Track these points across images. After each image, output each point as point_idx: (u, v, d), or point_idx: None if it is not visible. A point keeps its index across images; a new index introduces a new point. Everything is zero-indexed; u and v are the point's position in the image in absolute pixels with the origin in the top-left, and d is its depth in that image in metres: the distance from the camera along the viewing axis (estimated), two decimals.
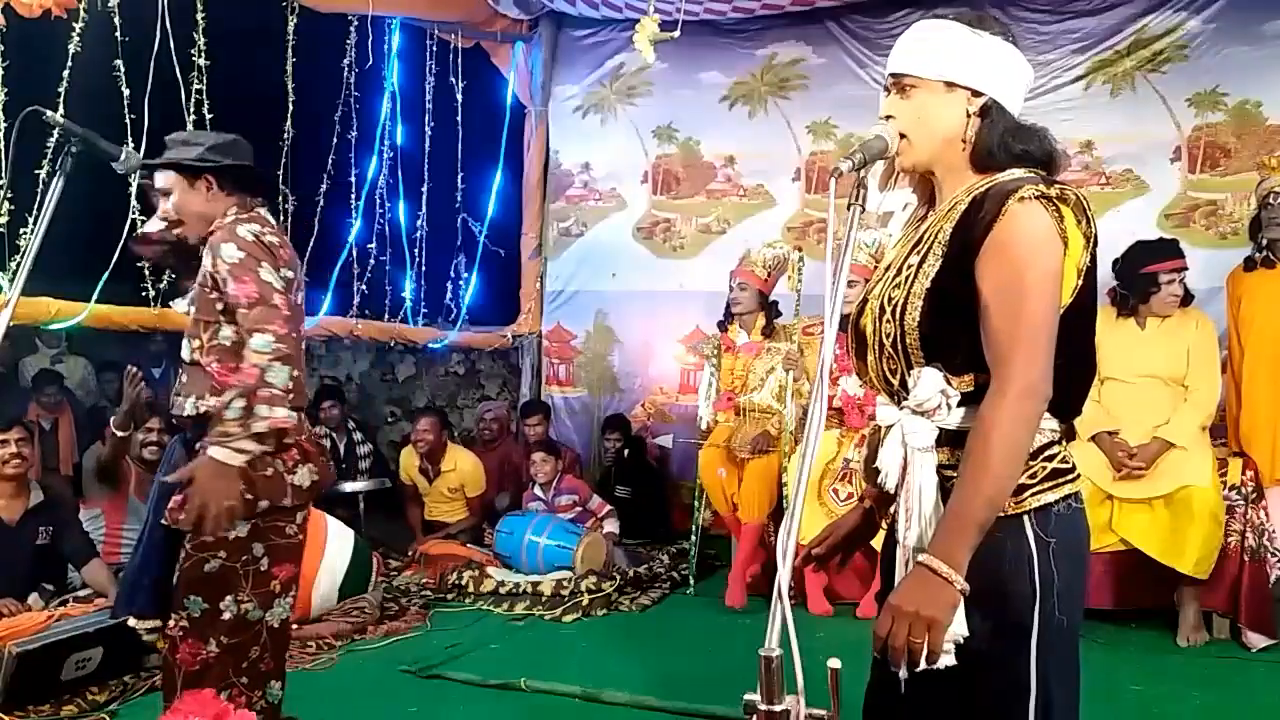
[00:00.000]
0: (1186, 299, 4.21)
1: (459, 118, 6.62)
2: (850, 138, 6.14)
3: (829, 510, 4.56)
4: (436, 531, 5.85)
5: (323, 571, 4.29)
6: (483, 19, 6.64)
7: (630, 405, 6.76)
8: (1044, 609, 1.50)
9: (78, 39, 4.17)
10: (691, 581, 5.05)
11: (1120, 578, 4.19)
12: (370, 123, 6.34)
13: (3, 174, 3.89)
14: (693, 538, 5.10)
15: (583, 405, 6.94)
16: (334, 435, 6.18)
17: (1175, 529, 3.99)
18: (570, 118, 7.00)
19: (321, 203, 5.97)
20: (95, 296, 4.21)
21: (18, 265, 2.05)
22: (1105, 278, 4.31)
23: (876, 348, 1.62)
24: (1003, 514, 1.49)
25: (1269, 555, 4.05)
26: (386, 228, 6.53)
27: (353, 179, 6.25)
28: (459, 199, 6.84)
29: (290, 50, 5.53)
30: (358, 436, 6.30)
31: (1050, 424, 1.56)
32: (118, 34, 4.33)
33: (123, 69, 4.34)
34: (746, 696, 1.26)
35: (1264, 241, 4.23)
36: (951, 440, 1.53)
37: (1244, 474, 4.15)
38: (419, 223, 6.71)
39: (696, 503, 5.11)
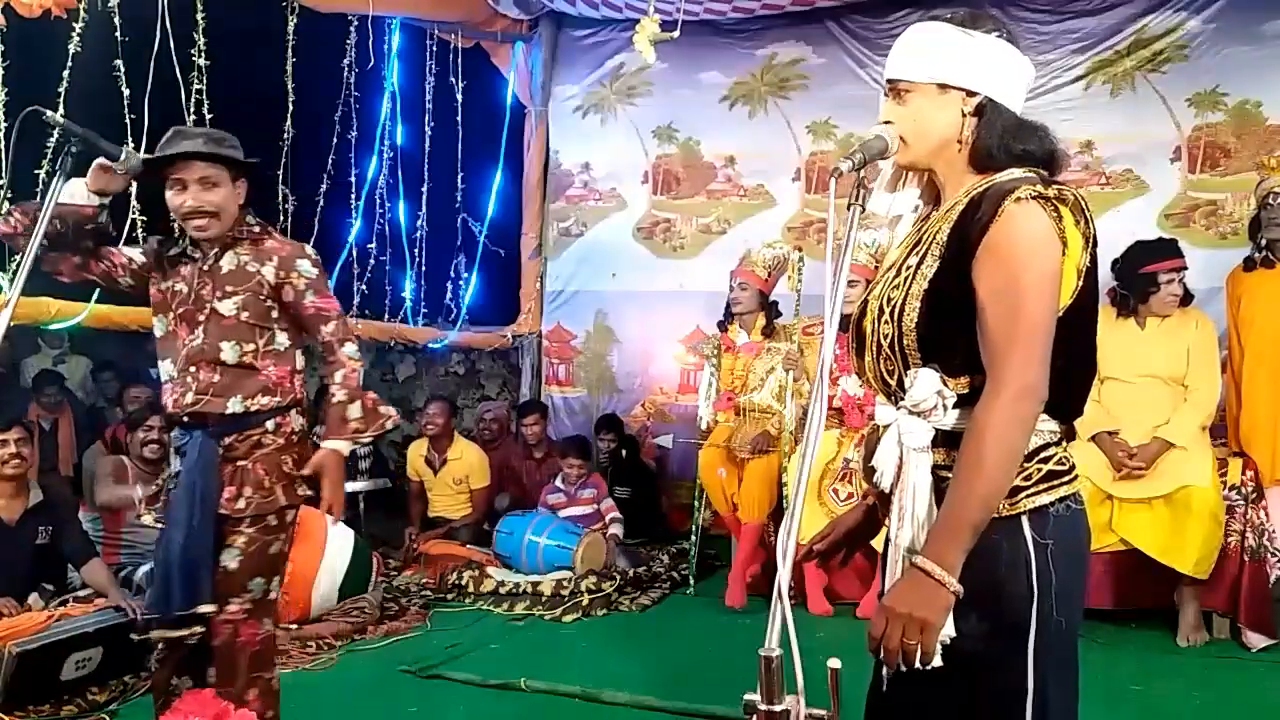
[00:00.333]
0: (1187, 299, 4.21)
1: (459, 118, 6.62)
2: (850, 138, 6.14)
3: (829, 510, 4.56)
4: (439, 528, 5.85)
5: (323, 571, 4.29)
6: (483, 19, 6.64)
7: (630, 405, 6.76)
8: (1041, 610, 1.50)
9: (78, 39, 4.17)
10: (691, 581, 5.05)
11: (1120, 578, 4.19)
12: (370, 123, 6.34)
13: (3, 174, 3.89)
14: (693, 538, 5.10)
15: (582, 405, 6.94)
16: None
17: (1175, 529, 3.99)
18: (570, 118, 7.00)
19: (321, 203, 5.98)
20: (95, 296, 4.21)
21: (18, 265, 2.05)
22: (1105, 278, 4.29)
23: (874, 348, 1.62)
24: (998, 515, 1.49)
25: (1269, 555, 4.05)
26: (386, 228, 6.54)
27: (353, 179, 6.26)
28: (459, 199, 6.84)
29: (290, 50, 5.53)
30: None
31: (1049, 425, 1.55)
32: (118, 34, 4.33)
33: (123, 69, 4.34)
34: (746, 696, 1.27)
35: (1263, 241, 4.23)
36: (948, 441, 1.53)
37: (1244, 474, 4.15)
38: (419, 223, 6.71)
39: (696, 503, 5.11)
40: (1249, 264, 4.28)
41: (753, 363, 4.95)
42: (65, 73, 4.12)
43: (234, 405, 2.61)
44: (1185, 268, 4.19)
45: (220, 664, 2.61)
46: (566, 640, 4.30)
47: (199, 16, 4.69)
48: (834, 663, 1.28)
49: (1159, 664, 3.85)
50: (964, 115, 1.60)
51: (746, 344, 5.00)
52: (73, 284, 2.66)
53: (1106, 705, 3.36)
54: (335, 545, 4.39)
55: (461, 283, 7.01)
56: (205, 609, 2.57)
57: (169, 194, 2.60)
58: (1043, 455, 1.54)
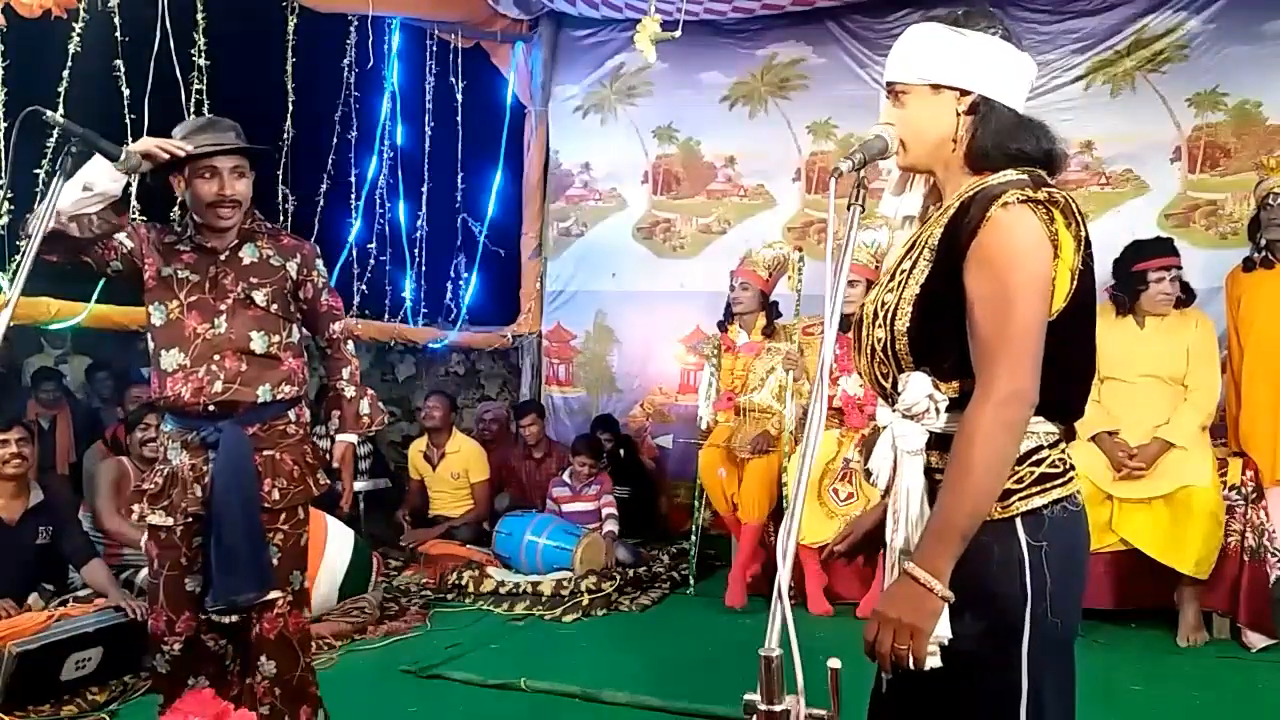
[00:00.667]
0: (1187, 299, 4.20)
1: (459, 118, 6.62)
2: (850, 138, 6.14)
3: (829, 510, 4.56)
4: (439, 526, 5.85)
5: (323, 571, 4.29)
6: (483, 19, 6.64)
7: (630, 405, 6.76)
8: (1035, 612, 1.49)
9: (78, 39, 4.17)
10: (691, 581, 5.05)
11: (1120, 578, 4.19)
12: (370, 123, 6.33)
13: (3, 174, 3.89)
14: (693, 538, 5.10)
15: (582, 405, 6.94)
16: (334, 436, 6.17)
17: (1175, 529, 3.99)
18: (570, 118, 6.99)
19: (321, 203, 5.97)
20: (95, 296, 4.21)
21: (18, 265, 2.04)
22: (1105, 278, 4.32)
23: (868, 352, 1.63)
24: (991, 518, 1.49)
25: (1269, 555, 4.05)
26: (386, 228, 6.53)
27: (353, 179, 6.25)
28: (459, 199, 6.83)
29: (290, 50, 5.52)
30: None
31: (1044, 427, 1.55)
32: (118, 34, 4.32)
33: (123, 69, 4.33)
34: (746, 696, 1.27)
35: (1263, 242, 4.23)
36: (941, 444, 1.53)
37: (1244, 474, 4.15)
38: (419, 223, 6.71)
39: (696, 503, 5.11)
40: (1248, 264, 4.29)
41: (753, 363, 4.95)
42: (65, 73, 4.12)
43: (264, 394, 2.66)
44: (1178, 266, 4.18)
45: (278, 655, 2.69)
46: (566, 640, 4.30)
47: (199, 16, 4.69)
48: (834, 663, 1.28)
49: (1159, 664, 3.85)
50: (958, 115, 1.59)
51: (746, 344, 5.00)
52: (61, 266, 2.58)
53: (1106, 705, 3.35)
54: (335, 545, 4.39)
55: (461, 283, 7.01)
56: (275, 594, 2.66)
57: (199, 181, 2.60)
58: (1035, 458, 1.53)
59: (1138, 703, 3.46)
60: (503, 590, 4.84)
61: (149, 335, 2.71)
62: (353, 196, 6.28)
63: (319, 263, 2.86)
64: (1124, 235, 4.48)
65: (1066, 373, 1.55)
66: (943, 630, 1.45)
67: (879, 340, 1.59)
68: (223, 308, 2.65)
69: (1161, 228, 5.34)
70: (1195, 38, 5.45)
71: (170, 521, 2.66)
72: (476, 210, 6.96)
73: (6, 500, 3.83)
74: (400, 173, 6.53)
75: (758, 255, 5.08)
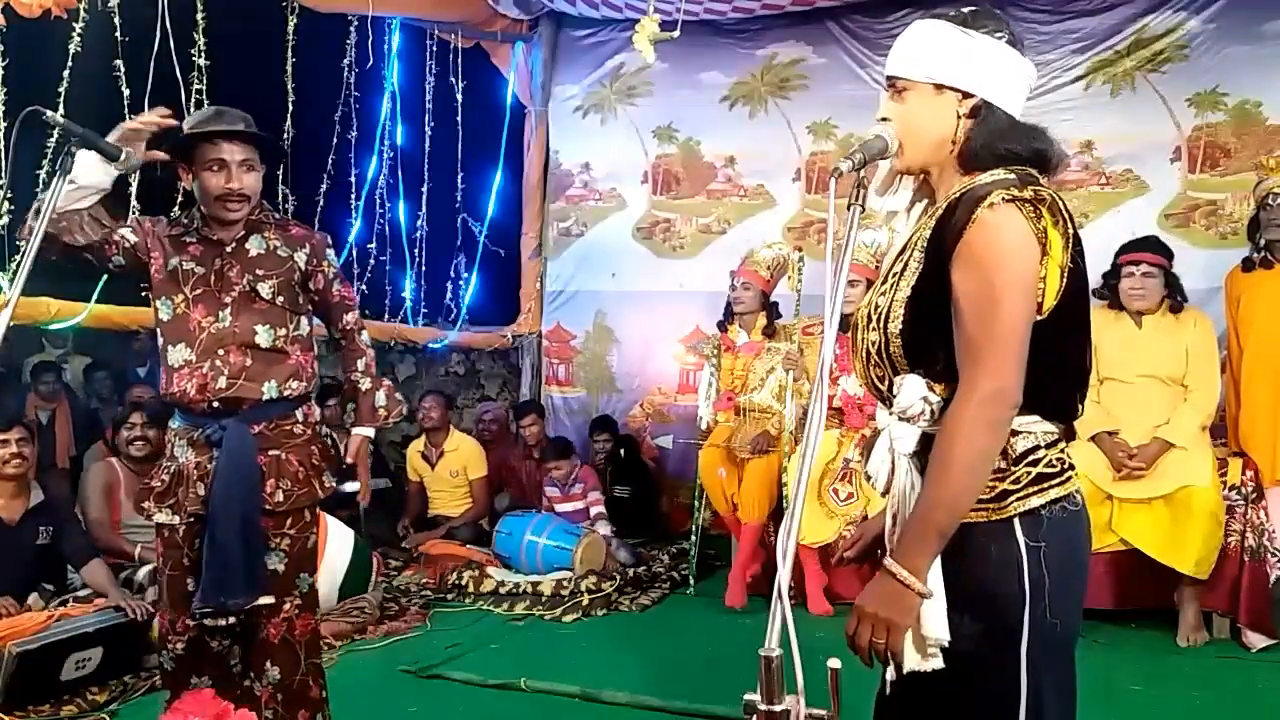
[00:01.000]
0: (1175, 300, 4.18)
1: (459, 118, 6.62)
2: (850, 138, 6.14)
3: (829, 510, 4.56)
4: (439, 527, 5.86)
5: (323, 571, 4.27)
6: (483, 19, 6.64)
7: (629, 405, 6.76)
8: (1034, 613, 1.49)
9: (78, 39, 4.17)
10: (691, 581, 5.05)
11: (1120, 578, 4.19)
12: (370, 123, 6.34)
13: (3, 174, 3.89)
14: (693, 538, 5.10)
15: (582, 405, 6.94)
16: (334, 435, 6.17)
17: (1175, 529, 3.99)
18: (570, 118, 6.99)
19: (321, 203, 5.98)
20: (95, 296, 4.21)
21: (18, 265, 2.04)
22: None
23: (864, 355, 1.63)
24: (988, 519, 1.50)
25: (1269, 555, 4.05)
26: (386, 228, 6.54)
27: (353, 179, 6.26)
28: (459, 199, 6.84)
29: (290, 50, 5.52)
30: None
31: (1042, 427, 1.55)
32: (118, 34, 4.33)
33: (123, 69, 4.34)
34: (746, 696, 1.27)
35: (1262, 242, 4.23)
36: (928, 444, 1.53)
37: (1244, 474, 4.15)
38: (419, 223, 6.71)
39: (696, 503, 5.11)
40: (1247, 264, 4.28)
41: (752, 363, 4.95)
42: (65, 73, 4.12)
43: (269, 390, 2.61)
44: (1152, 263, 4.17)
45: (282, 661, 2.65)
46: (566, 640, 4.30)
47: (199, 16, 4.69)
48: (834, 663, 1.28)
49: (1159, 664, 3.85)
50: (959, 117, 1.59)
51: (746, 344, 5.00)
52: (62, 263, 2.53)
53: (1106, 705, 3.35)
54: (335, 545, 4.39)
55: (461, 283, 7.01)
56: (265, 600, 2.60)
57: (206, 174, 2.56)
58: (1032, 458, 1.52)
59: (1138, 703, 3.46)
60: (503, 590, 4.83)
61: (158, 331, 2.66)
62: (353, 196, 6.28)
63: (330, 253, 2.80)
64: (1124, 235, 4.48)
65: (1062, 371, 1.55)
66: (941, 632, 1.45)
67: (873, 343, 1.60)
68: (227, 301, 2.60)
69: (1161, 228, 5.34)
70: (1195, 38, 5.45)
71: (175, 520, 2.62)
72: (476, 210, 6.96)
73: (7, 500, 3.83)
74: (400, 173, 6.53)
75: (759, 255, 5.08)
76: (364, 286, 6.33)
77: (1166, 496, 4.01)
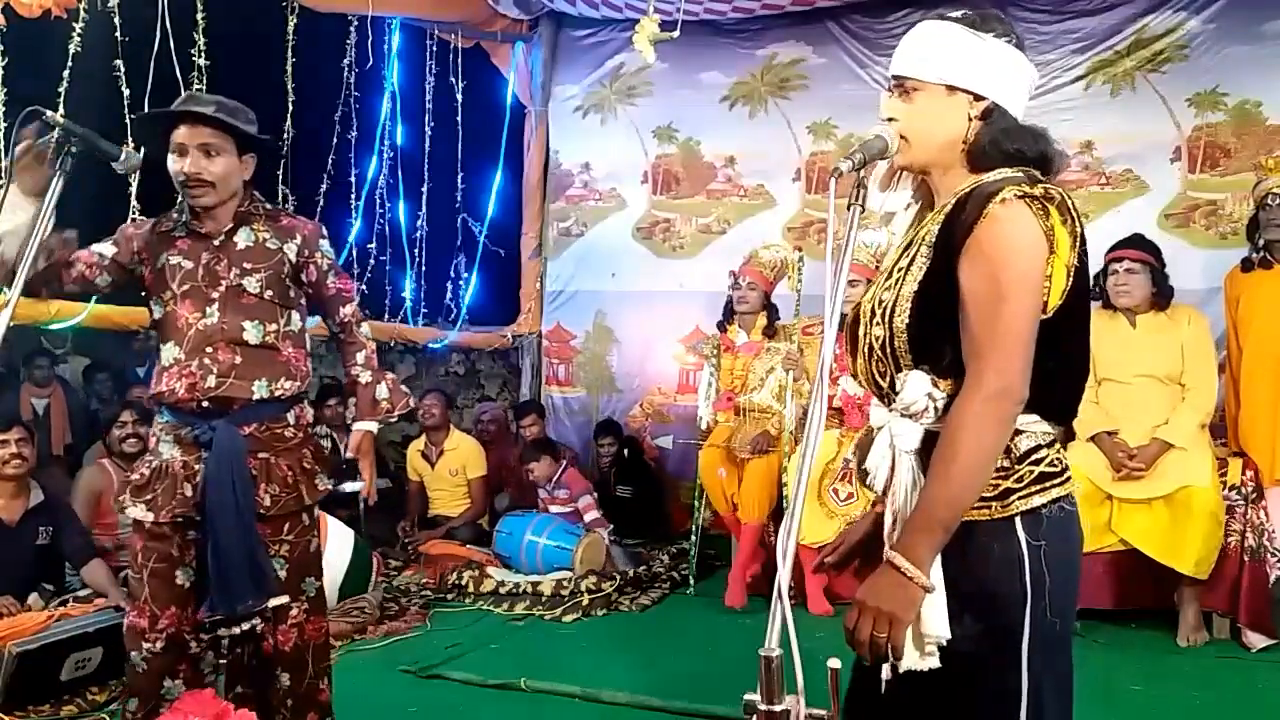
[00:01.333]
0: (1162, 300, 4.18)
1: (459, 118, 6.62)
2: (850, 138, 6.14)
3: (829, 510, 4.56)
4: (439, 528, 5.85)
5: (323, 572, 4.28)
6: (483, 19, 6.64)
7: (629, 405, 6.76)
8: (1035, 611, 1.50)
9: (78, 39, 4.17)
10: (691, 581, 5.05)
11: (1120, 578, 4.19)
12: (370, 123, 6.34)
13: (3, 174, 3.89)
14: (693, 538, 5.10)
15: (582, 405, 6.94)
16: (334, 435, 6.17)
17: (1175, 529, 3.99)
18: (570, 118, 6.99)
19: (321, 203, 5.98)
20: (95, 297, 4.21)
21: (18, 265, 2.04)
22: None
23: (865, 350, 1.63)
24: (990, 517, 1.50)
25: (1269, 555, 4.05)
26: (386, 228, 6.54)
27: (353, 179, 6.26)
28: (459, 199, 6.84)
29: (290, 50, 5.52)
30: None
31: (1041, 426, 1.56)
32: (118, 34, 4.33)
33: (123, 69, 4.34)
34: (746, 696, 1.27)
35: (1261, 242, 4.23)
36: (930, 441, 1.53)
37: (1244, 474, 4.15)
38: (419, 223, 6.71)
39: (696, 503, 5.11)
40: (1246, 265, 4.28)
41: (752, 363, 4.95)
42: (65, 73, 4.12)
43: (260, 389, 2.53)
44: (1134, 259, 4.17)
45: (291, 666, 2.61)
46: (566, 640, 4.30)
47: (199, 16, 4.69)
48: (834, 663, 1.28)
49: (1159, 664, 3.85)
50: (970, 119, 1.60)
51: (746, 344, 5.00)
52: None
53: (1106, 705, 3.36)
54: (335, 545, 4.39)
55: (461, 283, 7.01)
56: (277, 601, 2.55)
57: (170, 159, 2.50)
58: (1035, 457, 1.54)
59: (1138, 703, 3.46)
60: (503, 590, 4.83)
61: (155, 332, 2.61)
62: (353, 196, 6.28)
63: (323, 243, 2.69)
64: (1124, 235, 4.47)
65: (1065, 371, 1.56)
66: (941, 629, 1.45)
67: (877, 338, 1.59)
68: (215, 296, 2.52)
69: (1161, 228, 5.35)
70: (1195, 38, 5.45)
71: (153, 516, 2.52)
72: (476, 210, 6.96)
73: (6, 500, 3.83)
74: (400, 173, 6.53)
75: (762, 256, 5.08)
76: (364, 286, 6.32)
77: (1166, 497, 4.01)
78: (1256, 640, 3.98)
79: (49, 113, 2.12)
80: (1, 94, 4.02)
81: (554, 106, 7.02)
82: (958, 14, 1.62)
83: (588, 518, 5.46)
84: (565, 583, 4.78)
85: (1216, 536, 3.98)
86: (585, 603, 4.63)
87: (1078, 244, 1.53)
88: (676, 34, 4.83)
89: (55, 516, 3.94)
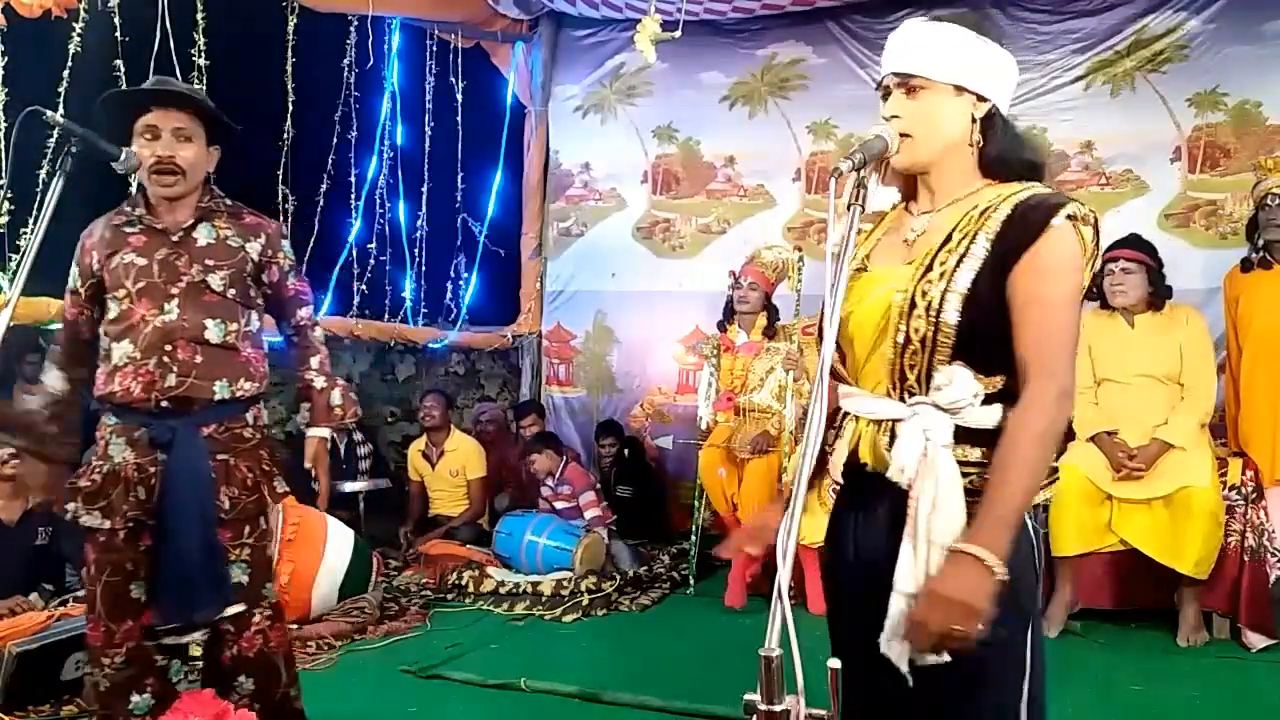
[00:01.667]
0: (1159, 299, 4.18)
1: (459, 118, 6.62)
2: (850, 138, 6.14)
3: (829, 510, 4.55)
4: (438, 528, 5.86)
5: (323, 571, 4.29)
6: (483, 19, 6.64)
7: (629, 405, 6.75)
8: (1039, 594, 1.63)
9: (78, 39, 4.17)
10: (691, 581, 5.05)
11: (1120, 578, 4.19)
12: (370, 123, 6.34)
13: (3, 174, 3.89)
14: (693, 538, 5.10)
15: (582, 405, 6.94)
16: (334, 435, 6.16)
17: (1175, 529, 3.99)
18: (570, 118, 6.99)
19: (321, 203, 5.98)
20: None
21: (18, 265, 2.04)
22: None
23: (899, 342, 1.61)
24: None
25: (1269, 555, 4.05)
26: (386, 228, 6.54)
27: (353, 179, 6.27)
28: (459, 199, 6.84)
29: (290, 50, 5.53)
30: (358, 436, 6.30)
31: None
32: (118, 34, 4.33)
33: (123, 69, 4.34)
34: (746, 696, 1.26)
35: (1260, 242, 4.23)
36: (969, 437, 1.58)
37: (1244, 474, 4.15)
38: (419, 223, 6.71)
39: (696, 503, 5.11)
40: (1246, 265, 4.29)
41: (752, 363, 4.95)
42: (65, 73, 4.12)
43: (220, 390, 2.46)
44: (1135, 259, 4.17)
45: (258, 673, 2.53)
46: (566, 640, 4.30)
47: (199, 16, 4.70)
48: (834, 663, 1.28)
49: (1159, 664, 3.85)
50: (974, 120, 1.65)
51: (746, 344, 5.00)
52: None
53: (1106, 705, 3.36)
54: (335, 545, 4.39)
55: (461, 283, 7.01)
56: (235, 610, 2.48)
57: (138, 144, 2.42)
58: None
59: (1138, 703, 3.46)
60: (503, 590, 4.83)
61: (102, 332, 2.52)
62: (353, 196, 6.29)
63: (285, 243, 2.64)
64: (1124, 235, 4.47)
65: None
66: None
67: (917, 331, 1.59)
68: (174, 292, 2.44)
69: (1161, 228, 5.35)
70: (1195, 38, 5.45)
71: (108, 524, 2.44)
72: (476, 210, 6.96)
73: (5, 501, 3.84)
74: (400, 173, 6.53)
75: (764, 257, 5.08)
76: (364, 286, 6.34)
77: (1166, 497, 4.01)
78: (1256, 640, 3.98)
79: (49, 113, 2.11)
80: (1, 94, 4.02)
81: (554, 106, 7.02)
82: (955, 15, 1.68)
83: (589, 514, 5.43)
84: (565, 583, 4.78)
85: (1216, 536, 3.98)
86: (585, 603, 4.63)
87: (1091, 263, 1.62)
88: (678, 34, 4.83)
89: (54, 516, 3.94)
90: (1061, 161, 5.70)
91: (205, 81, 4.71)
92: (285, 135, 5.50)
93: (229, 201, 2.61)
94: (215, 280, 2.48)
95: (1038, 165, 1.67)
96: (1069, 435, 1.64)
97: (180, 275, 2.46)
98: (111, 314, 2.49)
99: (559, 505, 5.55)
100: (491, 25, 6.73)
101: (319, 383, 2.66)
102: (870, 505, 1.69)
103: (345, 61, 6.05)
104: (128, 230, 2.51)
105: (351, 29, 6.05)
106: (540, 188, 7.03)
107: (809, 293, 4.97)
